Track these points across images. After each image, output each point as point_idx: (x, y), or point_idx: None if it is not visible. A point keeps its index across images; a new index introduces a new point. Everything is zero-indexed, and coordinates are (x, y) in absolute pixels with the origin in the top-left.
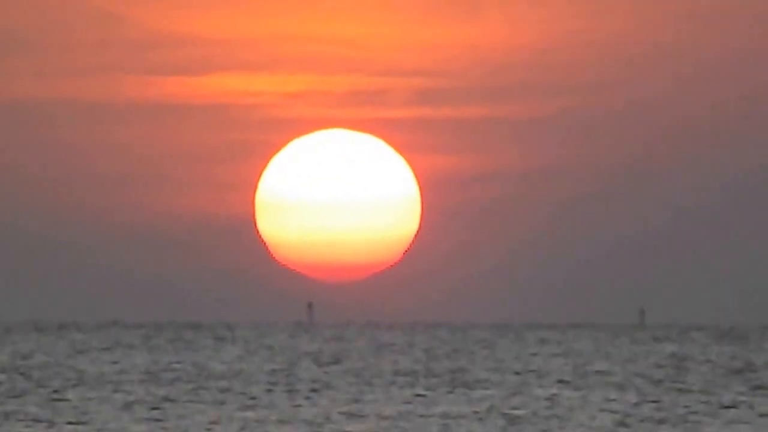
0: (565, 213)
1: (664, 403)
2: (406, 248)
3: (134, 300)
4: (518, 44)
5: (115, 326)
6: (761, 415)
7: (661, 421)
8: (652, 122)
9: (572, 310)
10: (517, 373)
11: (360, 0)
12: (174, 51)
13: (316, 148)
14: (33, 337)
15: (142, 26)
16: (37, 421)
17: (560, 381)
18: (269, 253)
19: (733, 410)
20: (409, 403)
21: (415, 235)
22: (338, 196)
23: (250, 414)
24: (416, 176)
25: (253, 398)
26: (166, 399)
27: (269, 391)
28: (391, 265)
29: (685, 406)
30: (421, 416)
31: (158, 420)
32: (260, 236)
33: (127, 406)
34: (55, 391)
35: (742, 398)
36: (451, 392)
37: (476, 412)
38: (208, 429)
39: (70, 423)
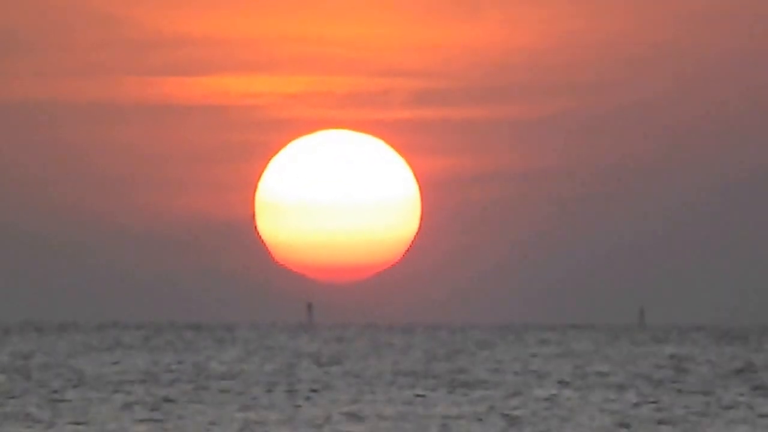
0: (565, 213)
1: (663, 403)
2: (406, 249)
3: (134, 300)
4: (518, 45)
5: (115, 327)
6: (761, 416)
7: (660, 422)
8: (652, 123)
9: (572, 310)
10: (517, 374)
11: (360, 1)
12: (174, 52)
13: (315, 149)
14: (33, 337)
15: (142, 27)
16: (36, 421)
17: (560, 382)
18: (269, 253)
19: (733, 411)
20: (409, 403)
21: (415, 236)
22: (338, 197)
23: (249, 415)
24: (416, 177)
25: (252, 399)
26: (166, 400)
27: (269, 391)
28: (391, 266)
29: (685, 407)
30: (421, 417)
31: (158, 421)
32: (260, 237)
33: (127, 407)
34: (55, 392)
35: (742, 399)
36: (450, 393)
37: (476, 413)
38: (208, 430)
39: (69, 423)
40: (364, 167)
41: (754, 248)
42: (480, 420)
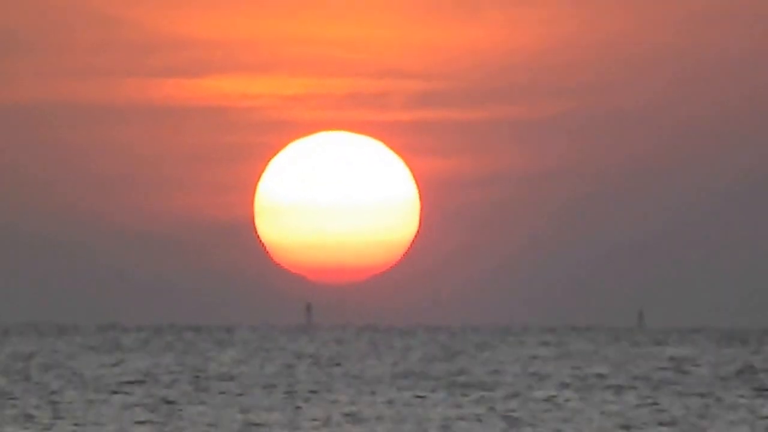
0: (565, 215)
1: (663, 405)
2: (405, 250)
3: (133, 301)
4: (518, 46)
5: (114, 328)
6: (762, 418)
7: (660, 424)
8: (652, 124)
9: (572, 312)
10: (516, 376)
11: (359, 2)
12: (173, 53)
13: (315, 151)
14: (32, 338)
15: (142, 29)
16: (36, 422)
17: (559, 383)
18: (268, 254)
19: (733, 412)
20: (408, 405)
21: (415, 238)
22: (337, 199)
23: (249, 416)
24: (416, 178)
25: (252, 400)
26: (166, 401)
27: (268, 393)
28: (390, 268)
29: (685, 409)
30: (421, 418)
31: (158, 422)
32: (259, 238)
33: (127, 408)
34: (54, 393)
35: (743, 400)
36: (450, 394)
37: (475, 415)
38: (208, 431)
39: (69, 425)
40: (363, 169)
41: (754, 250)
42: (479, 421)
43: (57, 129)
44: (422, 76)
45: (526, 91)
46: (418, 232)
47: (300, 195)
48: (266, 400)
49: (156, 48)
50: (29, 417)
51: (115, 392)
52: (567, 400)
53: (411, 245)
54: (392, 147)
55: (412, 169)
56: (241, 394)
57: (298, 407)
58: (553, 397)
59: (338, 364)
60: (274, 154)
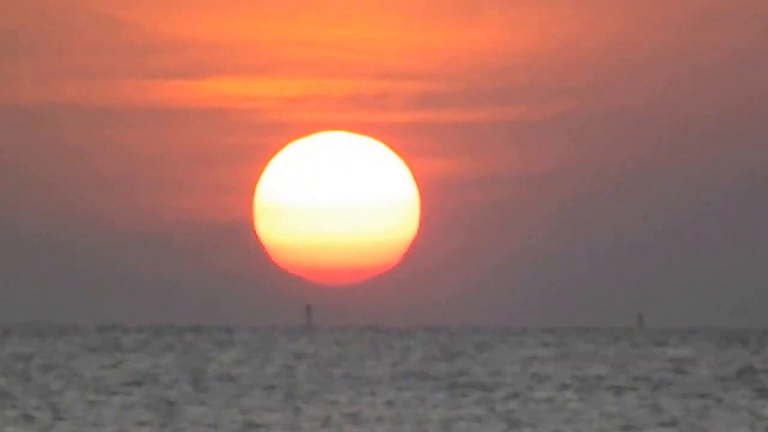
0: (565, 216)
1: (663, 406)
2: (405, 251)
3: (132, 302)
4: (518, 47)
5: (114, 329)
6: (762, 418)
7: (660, 425)
8: (653, 125)
9: (571, 313)
10: (516, 377)
11: (359, 3)
12: (173, 55)
13: (315, 151)
14: (32, 339)
15: (142, 30)
16: (36, 423)
17: (559, 384)
18: (268, 256)
19: (733, 413)
20: (408, 406)
21: (415, 239)
22: (337, 199)
23: (248, 417)
24: (416, 179)
25: (252, 401)
26: (166, 402)
27: (268, 393)
28: (390, 269)
29: (685, 410)
30: (421, 419)
31: (157, 423)
32: (259, 239)
33: (127, 409)
34: (54, 394)
35: (743, 401)
36: (450, 395)
37: (475, 415)
38: None
39: (69, 426)
40: (363, 169)
41: (754, 250)
42: (479, 422)
43: (57, 130)
44: (422, 77)
45: (527, 91)
46: (418, 232)
47: (300, 196)
48: (266, 400)
49: (156, 49)
50: (29, 418)
51: (115, 393)
52: (567, 401)
53: (411, 246)
54: (392, 148)
55: (412, 170)
56: (241, 395)
57: (298, 408)
58: (553, 397)
59: (338, 365)
60: (274, 155)
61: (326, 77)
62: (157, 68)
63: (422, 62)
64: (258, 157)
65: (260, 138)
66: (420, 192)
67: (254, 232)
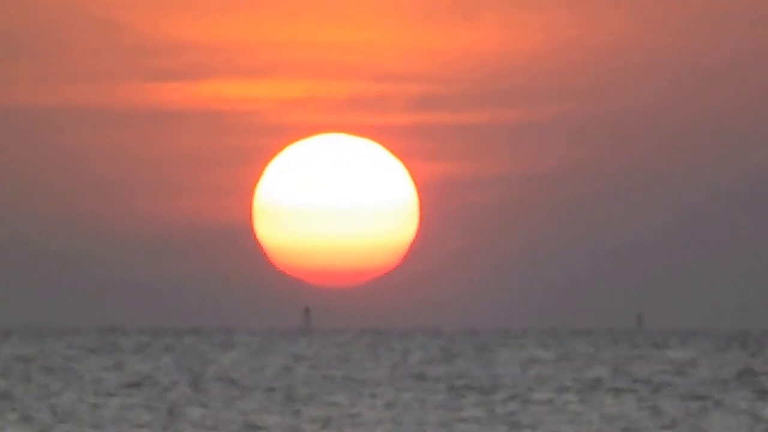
0: (563, 218)
1: (662, 408)
2: (404, 253)
3: (132, 304)
4: (516, 50)
5: (114, 331)
6: (761, 420)
7: (660, 427)
8: (650, 127)
9: (570, 314)
10: (516, 378)
11: (358, 6)
12: (172, 57)
13: (314, 153)
14: (32, 341)
15: (140, 33)
16: (36, 424)
17: (559, 386)
18: (267, 258)
19: (732, 415)
20: (407, 408)
21: (413, 240)
22: (336, 201)
23: (248, 418)
24: (414, 181)
25: (251, 403)
26: (165, 403)
27: (267, 395)
28: (389, 270)
29: (685, 411)
30: (420, 421)
31: (157, 424)
32: (258, 241)
33: (126, 411)
34: (54, 395)
35: (742, 403)
36: (449, 397)
37: (475, 417)
38: None
39: (68, 427)
40: (362, 171)
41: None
42: (479, 424)
43: (56, 132)
44: (421, 79)
45: (525, 93)
46: (417, 234)
47: (299, 198)
48: (265, 402)
49: (155, 52)
50: (29, 419)
51: (115, 395)
52: (567, 403)
53: (410, 248)
54: (391, 150)
55: (411, 172)
56: (240, 397)
57: (297, 410)
58: (553, 399)
59: (337, 367)
60: (273, 157)
61: (325, 79)
62: (156, 70)
63: (421, 64)
64: (257, 159)
65: (259, 140)
66: (419, 194)
67: (253, 234)
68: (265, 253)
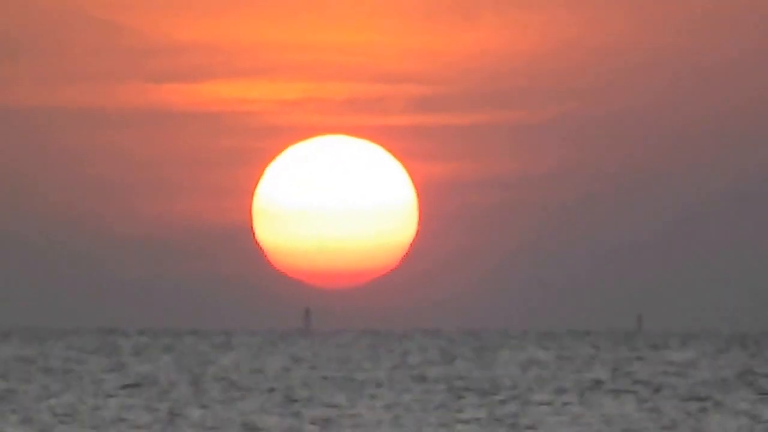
0: (564, 218)
1: (662, 409)
2: (403, 254)
3: (132, 305)
4: (516, 51)
5: (114, 332)
6: (762, 422)
7: (660, 428)
8: (650, 127)
9: (570, 316)
10: (516, 380)
11: (358, 7)
12: (171, 58)
13: (313, 155)
14: (31, 342)
15: (139, 34)
16: (36, 426)
17: (559, 388)
18: (267, 259)
19: (732, 416)
20: (407, 409)
21: (413, 241)
22: (336, 203)
23: (247, 420)
24: (414, 182)
25: (250, 404)
26: (165, 405)
27: (267, 397)
28: (389, 272)
29: (685, 413)
30: (420, 422)
31: (156, 426)
32: (257, 242)
33: (125, 411)
34: (54, 397)
35: (742, 404)
36: (449, 399)
37: (475, 419)
38: None
39: (68, 428)
40: (361, 172)
41: (754, 253)
42: (479, 425)
43: (55, 133)
44: (421, 81)
45: (525, 94)
46: (416, 235)
47: (298, 199)
48: (265, 403)
49: (154, 53)
50: (29, 420)
51: (115, 396)
52: (566, 405)
53: (409, 249)
54: (391, 151)
55: (410, 173)
56: (240, 398)
57: (297, 411)
58: (552, 401)
59: (337, 368)
60: (273, 159)
61: (324, 80)
62: (156, 72)
63: (421, 65)
64: (256, 160)
65: (259, 141)
66: (418, 195)
67: (253, 235)
68: (264, 254)
